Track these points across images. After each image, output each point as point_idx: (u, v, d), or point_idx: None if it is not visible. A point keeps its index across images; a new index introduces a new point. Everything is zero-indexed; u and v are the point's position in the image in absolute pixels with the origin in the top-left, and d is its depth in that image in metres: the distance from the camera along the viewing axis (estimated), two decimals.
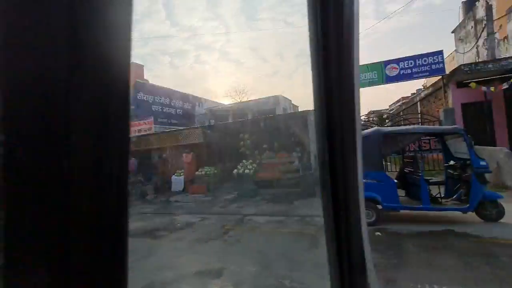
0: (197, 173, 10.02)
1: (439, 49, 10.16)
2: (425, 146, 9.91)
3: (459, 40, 19.28)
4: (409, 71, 10.36)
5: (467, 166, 4.65)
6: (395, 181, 5.04)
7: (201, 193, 9.20)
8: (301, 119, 9.12)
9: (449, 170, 5.25)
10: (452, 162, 5.16)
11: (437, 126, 5.28)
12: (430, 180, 5.07)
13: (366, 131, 5.23)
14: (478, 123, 9.28)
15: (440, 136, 5.35)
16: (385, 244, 3.85)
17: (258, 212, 6.53)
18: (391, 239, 4.07)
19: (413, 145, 10.07)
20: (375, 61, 11.04)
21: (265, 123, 9.73)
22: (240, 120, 11.16)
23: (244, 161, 9.51)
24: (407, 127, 5.76)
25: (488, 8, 12.00)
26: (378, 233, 4.35)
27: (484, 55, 13.84)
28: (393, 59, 10.61)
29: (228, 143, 11.46)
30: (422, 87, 19.45)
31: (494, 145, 8.82)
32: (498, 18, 15.13)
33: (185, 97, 18.27)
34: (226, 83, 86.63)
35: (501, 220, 4.53)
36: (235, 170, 9.28)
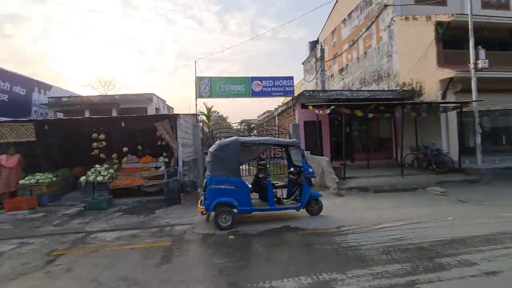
0: (22, 181, 7.48)
1: (291, 75, 12.45)
2: (278, 154, 11.77)
3: (306, 71, 24.52)
4: (269, 89, 12.08)
5: (301, 172, 5.78)
6: (250, 186, 5.59)
7: (27, 209, 6.91)
8: (171, 122, 8.69)
9: (290, 175, 6.38)
10: (292, 169, 6.29)
11: (281, 139, 6.38)
12: (276, 184, 5.97)
13: (226, 140, 5.55)
14: (313, 137, 11.99)
15: (284, 147, 6.45)
16: (235, 247, 4.12)
17: (109, 227, 5.56)
18: (241, 241, 4.42)
19: (270, 153, 11.76)
20: (245, 75, 12.21)
21: (128, 123, 8.56)
22: (96, 117, 9.31)
23: (97, 166, 7.94)
24: (261, 138, 6.62)
25: (322, 51, 15.82)
26: (232, 236, 4.63)
27: (319, 85, 18.15)
28: (257, 77, 12.07)
29: (76, 144, 9.30)
30: (281, 104, 23.23)
31: (322, 155, 11.59)
32: (328, 60, 20.31)
33: (16, 78, 13.45)
34: (88, 70, 71.72)
35: (321, 214, 5.91)
36: (83, 177, 7.58)
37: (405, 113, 9.65)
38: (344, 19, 17.81)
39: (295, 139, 7.86)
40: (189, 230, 5.10)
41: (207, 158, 5.44)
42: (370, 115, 9.53)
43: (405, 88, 12.16)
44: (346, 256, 3.60)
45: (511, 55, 11.19)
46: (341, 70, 18.93)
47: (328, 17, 20.75)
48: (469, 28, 9.52)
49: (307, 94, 11.24)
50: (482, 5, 13.35)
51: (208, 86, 11.78)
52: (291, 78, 12.26)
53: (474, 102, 9.46)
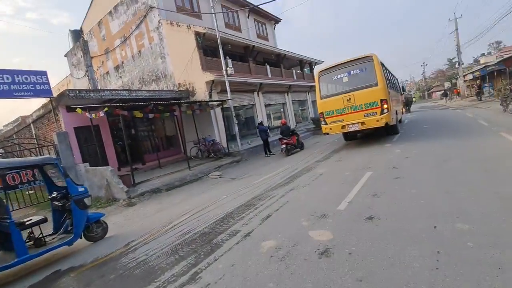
0: None
1: (44, 70, 9.54)
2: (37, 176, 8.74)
3: (73, 65, 20.10)
4: (6, 87, 8.46)
5: (68, 195, 4.53)
6: None
7: None
8: None
9: (54, 202, 4.84)
10: (55, 193, 4.80)
11: (24, 159, 4.47)
12: (28, 222, 4.27)
13: None
14: (91, 145, 10.10)
15: (32, 168, 4.74)
16: None
17: None
18: None
19: (25, 177, 8.48)
20: None
21: None
22: None
23: None
24: None
25: (85, 43, 13.55)
26: None
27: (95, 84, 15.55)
28: None
29: None
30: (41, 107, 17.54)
31: (107, 164, 10.09)
32: (100, 55, 17.88)
33: None
34: None
35: (107, 235, 5.03)
36: None
37: (183, 111, 10.54)
38: (111, 12, 16.20)
39: (48, 156, 6.12)
40: None
41: None
42: (151, 115, 9.45)
43: (181, 88, 13.27)
44: (133, 278, 3.22)
45: (247, 65, 15.49)
46: (117, 68, 17.29)
47: (90, 4, 17.97)
48: (218, 41, 11.93)
49: (72, 94, 9.09)
50: (226, 25, 17.29)
51: None
52: (44, 73, 9.33)
53: (229, 100, 12.15)
